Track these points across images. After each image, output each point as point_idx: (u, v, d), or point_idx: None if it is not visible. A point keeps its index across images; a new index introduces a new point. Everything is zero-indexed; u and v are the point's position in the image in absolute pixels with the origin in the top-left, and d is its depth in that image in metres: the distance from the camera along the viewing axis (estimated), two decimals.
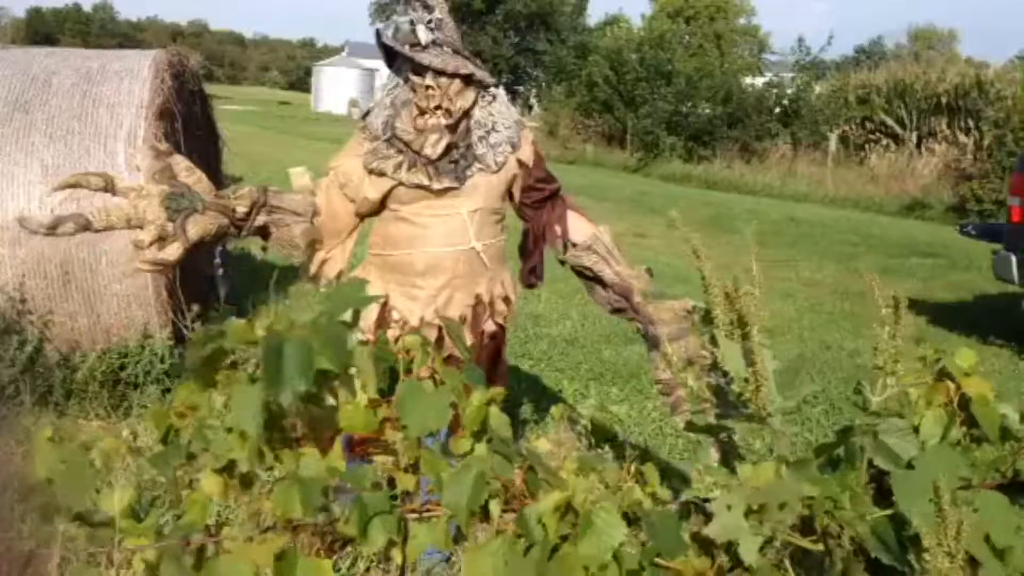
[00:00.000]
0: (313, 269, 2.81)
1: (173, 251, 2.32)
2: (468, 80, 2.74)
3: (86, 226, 2.21)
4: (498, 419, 1.08)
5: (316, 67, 57.15)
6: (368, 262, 2.98)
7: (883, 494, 1.08)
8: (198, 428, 1.07)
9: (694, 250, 1.55)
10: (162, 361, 4.76)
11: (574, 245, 2.95)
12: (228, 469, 1.04)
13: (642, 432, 4.97)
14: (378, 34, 2.80)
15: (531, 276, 3.07)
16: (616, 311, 2.97)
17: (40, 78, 5.16)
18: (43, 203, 4.88)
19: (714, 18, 37.27)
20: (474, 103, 2.78)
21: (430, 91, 2.68)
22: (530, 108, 40.69)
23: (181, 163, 2.42)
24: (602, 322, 7.10)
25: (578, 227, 2.99)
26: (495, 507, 1.04)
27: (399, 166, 2.73)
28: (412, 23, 2.70)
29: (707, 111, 24.30)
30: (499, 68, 38.05)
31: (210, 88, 6.52)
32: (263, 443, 1.06)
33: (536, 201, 2.97)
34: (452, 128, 2.74)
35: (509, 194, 2.96)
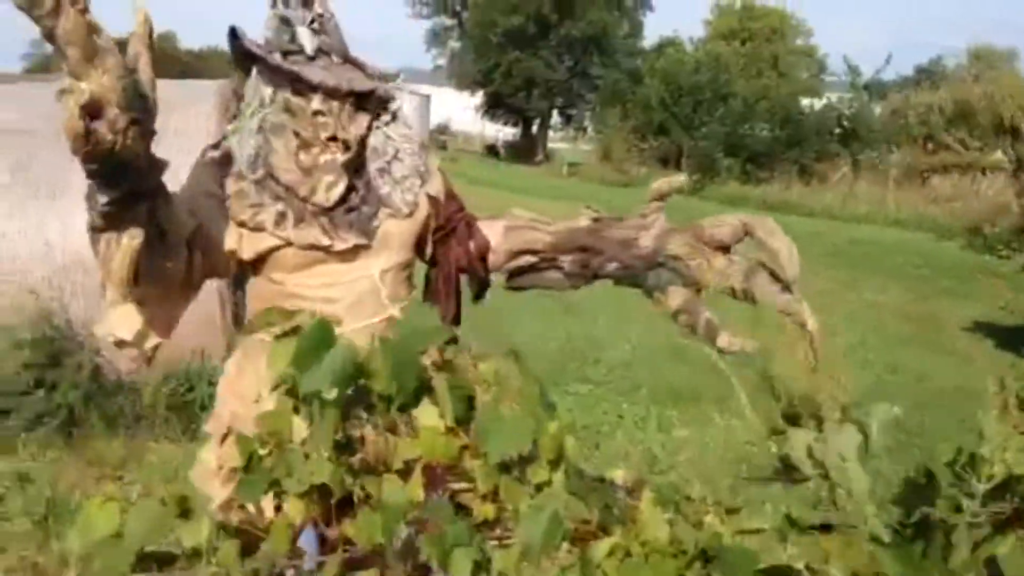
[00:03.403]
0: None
1: None
2: (362, 98, 1.98)
3: None
4: (575, 449, 1.08)
5: None
6: (247, 345, 2.10)
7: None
8: (280, 453, 1.08)
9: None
10: None
11: (493, 253, 2.19)
12: (310, 494, 1.06)
13: (704, 458, 4.93)
14: (234, 34, 1.96)
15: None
16: (576, 277, 2.18)
17: None
18: None
19: (770, 39, 37.00)
20: (369, 127, 2.02)
21: (320, 118, 1.92)
22: (584, 131, 40.68)
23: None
24: (660, 344, 7.06)
25: (490, 230, 2.20)
26: (564, 548, 1.03)
27: (281, 219, 1.95)
28: (288, 23, 1.92)
29: (765, 132, 24.17)
30: (553, 92, 38.12)
31: None
32: (338, 465, 1.07)
33: (444, 236, 2.17)
34: (351, 165, 1.98)
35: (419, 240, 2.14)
